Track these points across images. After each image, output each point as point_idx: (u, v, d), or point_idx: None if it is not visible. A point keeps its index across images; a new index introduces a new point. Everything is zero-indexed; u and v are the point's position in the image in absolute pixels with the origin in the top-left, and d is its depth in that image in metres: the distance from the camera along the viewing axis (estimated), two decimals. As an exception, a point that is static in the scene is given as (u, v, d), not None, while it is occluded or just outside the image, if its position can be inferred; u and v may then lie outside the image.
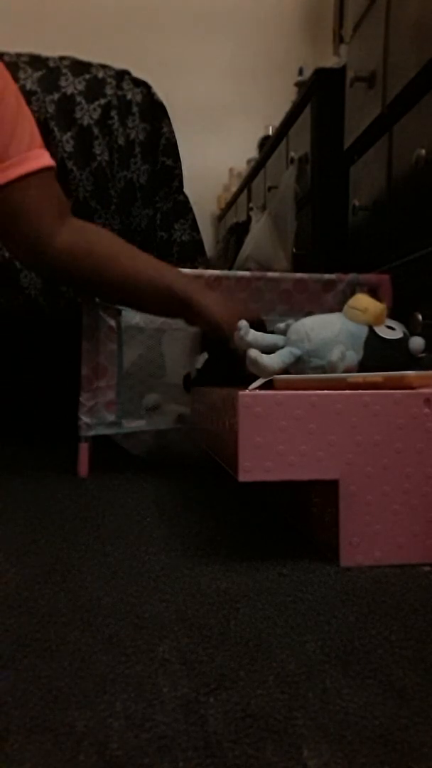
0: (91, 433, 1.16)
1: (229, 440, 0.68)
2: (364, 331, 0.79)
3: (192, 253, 1.52)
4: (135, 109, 1.46)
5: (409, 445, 0.64)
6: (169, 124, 1.51)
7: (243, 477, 0.62)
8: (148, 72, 1.55)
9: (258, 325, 0.91)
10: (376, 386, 0.66)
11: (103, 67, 1.47)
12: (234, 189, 2.90)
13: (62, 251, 0.97)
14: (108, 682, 0.41)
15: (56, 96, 1.38)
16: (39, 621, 0.50)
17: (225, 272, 1.22)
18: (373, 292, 1.22)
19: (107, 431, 1.18)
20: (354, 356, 0.78)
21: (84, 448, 1.15)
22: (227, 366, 0.97)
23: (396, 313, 1.20)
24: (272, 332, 0.86)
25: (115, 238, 1.04)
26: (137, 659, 0.44)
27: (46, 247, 0.96)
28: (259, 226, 1.82)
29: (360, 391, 0.64)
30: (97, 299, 1.15)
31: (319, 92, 1.69)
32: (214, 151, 3.05)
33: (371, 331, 0.80)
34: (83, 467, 1.15)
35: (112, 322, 1.17)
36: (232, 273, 1.22)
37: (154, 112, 1.49)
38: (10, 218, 0.93)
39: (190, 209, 1.55)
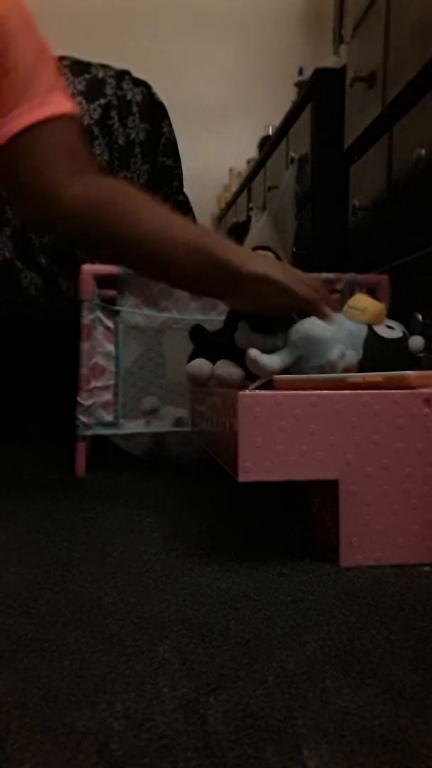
0: (89, 433, 1.16)
1: (229, 440, 0.68)
2: (364, 330, 0.79)
3: (192, 253, 1.52)
4: (135, 109, 1.47)
5: (409, 445, 0.64)
6: (169, 124, 1.51)
7: (243, 477, 0.62)
8: (148, 72, 1.55)
9: (287, 321, 0.85)
10: (376, 386, 0.66)
11: (103, 67, 1.47)
12: (234, 189, 2.90)
13: (75, 205, 0.82)
14: (108, 682, 0.41)
15: (56, 96, 1.38)
16: (39, 621, 0.50)
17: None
18: (372, 292, 1.22)
19: (105, 431, 1.18)
20: (354, 355, 0.77)
21: (81, 448, 1.15)
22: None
23: (396, 313, 1.20)
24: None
25: (139, 192, 0.87)
26: (137, 659, 0.44)
27: (59, 204, 0.83)
28: (259, 226, 1.82)
29: (360, 391, 0.64)
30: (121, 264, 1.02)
31: (319, 92, 1.69)
32: (214, 151, 3.05)
33: (370, 330, 0.79)
34: (80, 467, 1.15)
35: (110, 323, 1.17)
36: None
37: (154, 112, 1.49)
38: (18, 173, 0.82)
39: (190, 209, 1.55)
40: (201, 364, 0.94)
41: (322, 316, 0.78)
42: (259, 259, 0.83)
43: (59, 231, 0.92)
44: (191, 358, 0.98)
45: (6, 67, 0.78)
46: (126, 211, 0.83)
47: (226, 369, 0.86)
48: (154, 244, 0.83)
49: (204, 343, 0.99)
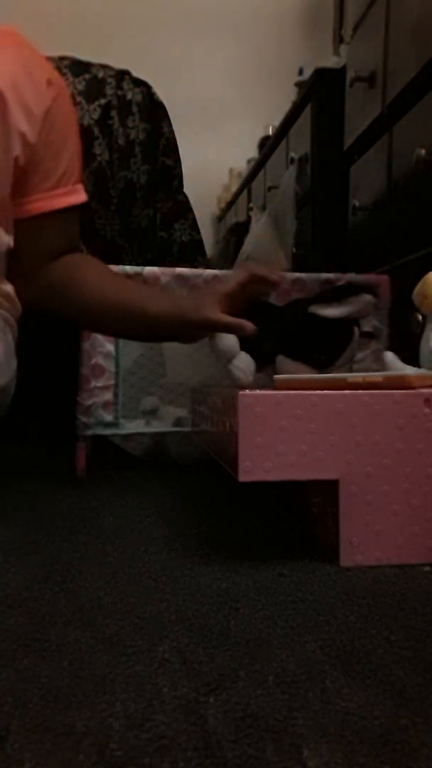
0: (89, 432, 1.16)
1: (229, 440, 0.68)
2: None
3: (192, 253, 1.52)
4: (135, 109, 1.47)
5: (409, 445, 0.64)
6: (169, 124, 1.51)
7: (243, 477, 0.62)
8: (148, 72, 1.55)
9: (263, 307, 0.88)
10: (376, 386, 0.66)
11: (103, 67, 1.47)
12: (234, 189, 2.90)
13: (43, 287, 0.94)
14: (108, 682, 0.41)
15: (56, 96, 1.38)
16: (39, 621, 0.50)
17: (225, 272, 1.22)
18: (372, 292, 1.22)
19: (105, 431, 1.18)
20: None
21: (81, 448, 1.15)
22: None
23: (396, 313, 1.20)
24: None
25: (99, 265, 0.98)
26: (137, 659, 0.44)
27: (33, 282, 0.94)
28: (259, 226, 1.82)
29: (360, 391, 0.64)
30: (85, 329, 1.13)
31: (319, 92, 1.69)
32: (214, 151, 3.05)
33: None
34: (80, 467, 1.15)
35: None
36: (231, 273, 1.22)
37: (154, 112, 1.49)
38: (25, 244, 0.91)
39: (190, 209, 1.55)
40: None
41: (244, 332, 0.84)
42: (168, 298, 0.95)
43: (26, 302, 1.01)
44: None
45: (54, 153, 0.89)
46: (80, 284, 0.94)
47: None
48: (96, 313, 0.95)
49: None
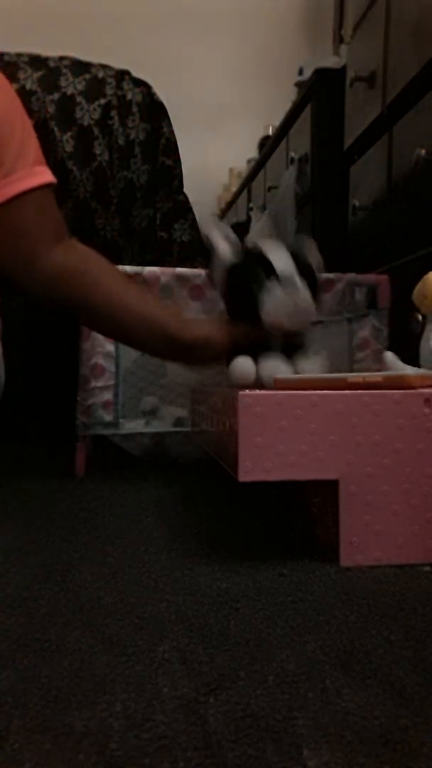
0: (88, 432, 1.16)
1: (229, 440, 0.68)
2: None
3: (192, 253, 1.52)
4: (135, 109, 1.46)
5: (409, 445, 0.64)
6: (169, 124, 1.51)
7: (243, 477, 0.62)
8: (148, 72, 1.55)
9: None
10: (376, 386, 0.66)
11: (103, 67, 1.47)
12: (234, 189, 2.90)
13: (51, 275, 0.92)
14: (108, 682, 0.41)
15: (56, 96, 1.38)
16: (39, 621, 0.50)
17: None
18: (372, 292, 1.22)
19: (105, 431, 1.18)
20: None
21: (81, 448, 1.15)
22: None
23: (396, 313, 1.20)
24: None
25: (107, 263, 0.98)
26: (137, 659, 0.44)
27: (36, 269, 0.92)
28: (259, 226, 1.82)
29: (360, 391, 0.64)
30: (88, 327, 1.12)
31: (319, 92, 1.69)
32: (214, 151, 3.05)
33: None
34: (80, 466, 1.15)
35: (112, 322, 1.17)
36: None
37: (154, 112, 1.49)
38: (6, 235, 0.90)
39: (190, 209, 1.55)
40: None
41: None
42: (201, 324, 0.92)
43: (32, 295, 1.00)
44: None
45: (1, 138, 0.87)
46: (93, 282, 0.93)
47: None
48: (114, 313, 0.93)
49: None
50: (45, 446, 1.49)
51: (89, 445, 1.17)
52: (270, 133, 2.44)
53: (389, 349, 0.94)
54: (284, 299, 0.80)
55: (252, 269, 0.82)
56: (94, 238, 1.40)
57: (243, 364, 0.85)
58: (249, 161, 2.81)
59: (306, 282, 0.82)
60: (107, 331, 1.04)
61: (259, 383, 0.83)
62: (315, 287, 0.85)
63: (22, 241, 0.91)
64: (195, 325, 0.93)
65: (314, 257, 0.85)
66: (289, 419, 0.63)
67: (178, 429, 1.20)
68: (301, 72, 2.19)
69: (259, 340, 0.85)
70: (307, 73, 1.85)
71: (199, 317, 1.08)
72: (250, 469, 0.62)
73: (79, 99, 1.40)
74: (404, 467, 0.64)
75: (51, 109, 1.37)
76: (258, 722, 0.36)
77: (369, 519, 0.64)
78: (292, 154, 1.84)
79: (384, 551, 0.64)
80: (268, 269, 0.81)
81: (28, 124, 0.93)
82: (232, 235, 0.87)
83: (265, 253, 0.82)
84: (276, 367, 0.82)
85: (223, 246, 0.87)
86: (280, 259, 0.82)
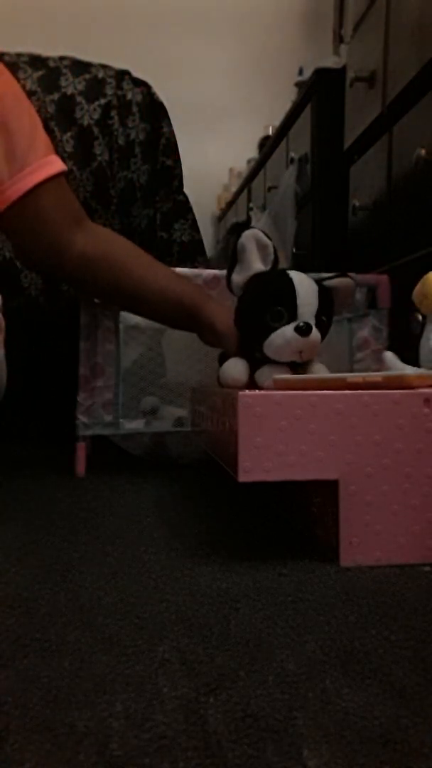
0: (88, 432, 1.16)
1: (229, 441, 0.68)
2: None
3: (192, 253, 1.52)
4: (135, 109, 1.46)
5: (409, 445, 0.64)
6: (169, 124, 1.51)
7: (243, 477, 0.62)
8: (148, 72, 1.55)
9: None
10: (376, 386, 0.66)
11: (103, 67, 1.47)
12: (234, 189, 2.90)
13: (80, 257, 0.96)
14: (108, 682, 0.41)
15: (56, 96, 1.39)
16: (39, 621, 0.50)
17: (225, 272, 1.22)
18: (372, 292, 1.22)
19: (105, 431, 1.18)
20: None
21: (81, 448, 1.15)
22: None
23: (396, 313, 1.20)
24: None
25: (130, 244, 1.02)
26: (137, 659, 0.44)
27: (65, 254, 0.96)
28: (259, 226, 1.82)
29: (360, 391, 0.64)
30: (112, 305, 1.14)
31: (319, 92, 1.69)
32: (214, 151, 3.06)
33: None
34: (80, 467, 1.15)
35: (110, 323, 1.17)
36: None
37: (154, 112, 1.49)
38: (31, 226, 0.93)
39: (190, 209, 1.55)
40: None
41: None
42: (226, 313, 0.94)
43: (64, 278, 1.06)
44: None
45: (7, 135, 0.89)
46: (121, 263, 0.98)
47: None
48: (139, 292, 0.99)
49: None
50: (45, 446, 1.49)
51: (89, 445, 1.17)
52: (270, 133, 2.44)
53: (389, 349, 0.94)
54: (291, 342, 0.79)
55: (271, 302, 0.82)
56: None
57: (234, 367, 0.85)
58: (249, 161, 2.81)
59: (322, 320, 0.82)
60: (131, 307, 1.08)
61: (251, 385, 0.83)
62: (329, 325, 0.86)
63: (46, 230, 0.94)
64: (220, 313, 0.96)
65: (343, 297, 0.87)
66: (288, 419, 0.63)
67: (178, 429, 1.20)
68: (301, 72, 2.19)
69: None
70: (307, 73, 1.85)
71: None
72: (250, 470, 0.62)
73: (79, 99, 1.40)
74: (404, 467, 0.64)
75: (51, 109, 1.37)
76: (258, 722, 0.36)
77: (369, 519, 0.64)
78: (292, 154, 1.84)
79: (384, 551, 0.64)
80: (290, 303, 0.80)
81: (35, 114, 0.94)
82: (270, 256, 0.86)
83: (294, 285, 0.81)
84: (275, 372, 0.82)
85: (258, 266, 0.86)
86: (307, 305, 0.81)
